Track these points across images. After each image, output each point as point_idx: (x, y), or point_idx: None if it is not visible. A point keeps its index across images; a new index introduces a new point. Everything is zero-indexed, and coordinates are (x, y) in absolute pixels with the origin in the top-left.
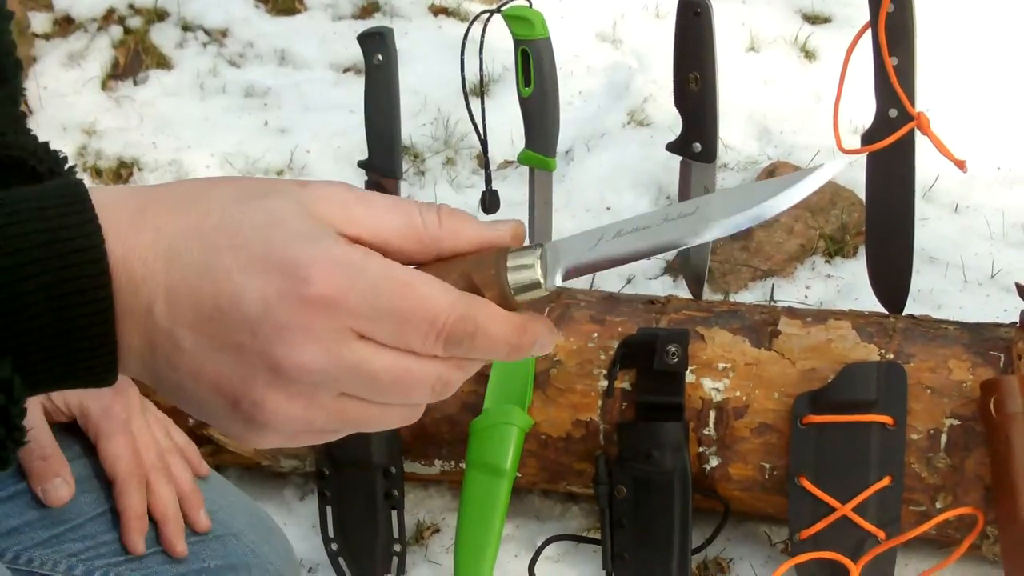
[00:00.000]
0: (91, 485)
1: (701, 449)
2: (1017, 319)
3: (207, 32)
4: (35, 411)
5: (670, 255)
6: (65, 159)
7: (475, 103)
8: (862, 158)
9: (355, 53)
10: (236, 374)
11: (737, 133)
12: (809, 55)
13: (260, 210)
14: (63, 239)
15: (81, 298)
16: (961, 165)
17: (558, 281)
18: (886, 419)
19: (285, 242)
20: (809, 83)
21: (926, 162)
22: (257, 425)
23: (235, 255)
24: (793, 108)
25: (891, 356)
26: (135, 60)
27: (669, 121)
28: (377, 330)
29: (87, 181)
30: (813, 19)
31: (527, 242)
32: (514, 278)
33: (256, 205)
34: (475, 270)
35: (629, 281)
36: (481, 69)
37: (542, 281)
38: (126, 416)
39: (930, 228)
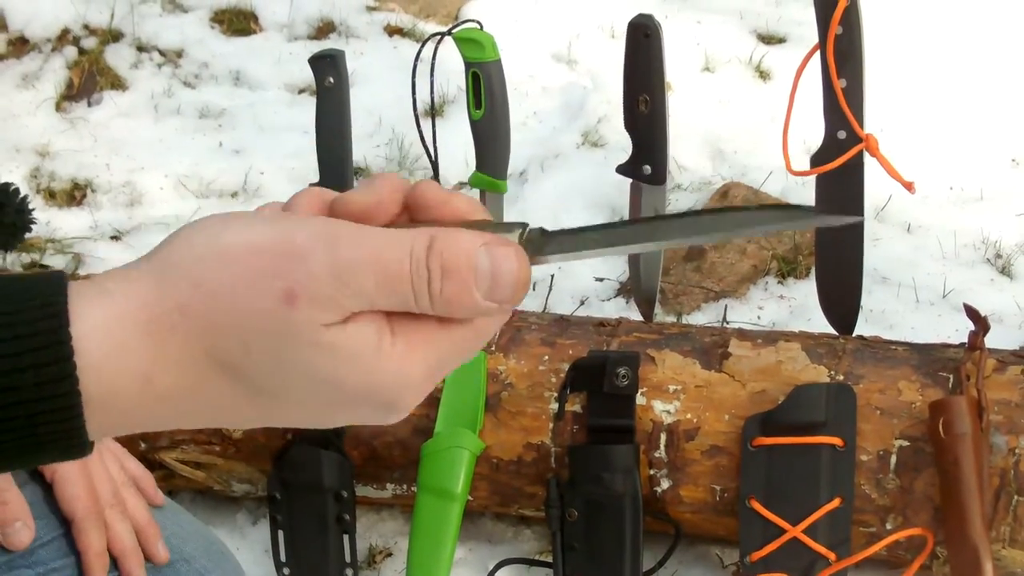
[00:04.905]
0: (42, 510)
1: (652, 471)
2: (967, 339)
3: (162, 53)
4: None
5: (624, 276)
6: (16, 191)
7: (428, 125)
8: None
9: (310, 74)
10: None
11: (691, 154)
12: (764, 75)
13: (321, 385)
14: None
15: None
16: (909, 186)
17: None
18: (836, 440)
19: (363, 410)
20: (763, 103)
21: (878, 182)
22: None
23: (308, 418)
24: (747, 129)
25: (841, 377)
26: (89, 81)
27: (623, 142)
28: None
29: (40, 203)
30: (768, 39)
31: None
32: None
33: (308, 390)
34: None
35: (582, 303)
36: (432, 91)
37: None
38: None
39: (882, 248)
